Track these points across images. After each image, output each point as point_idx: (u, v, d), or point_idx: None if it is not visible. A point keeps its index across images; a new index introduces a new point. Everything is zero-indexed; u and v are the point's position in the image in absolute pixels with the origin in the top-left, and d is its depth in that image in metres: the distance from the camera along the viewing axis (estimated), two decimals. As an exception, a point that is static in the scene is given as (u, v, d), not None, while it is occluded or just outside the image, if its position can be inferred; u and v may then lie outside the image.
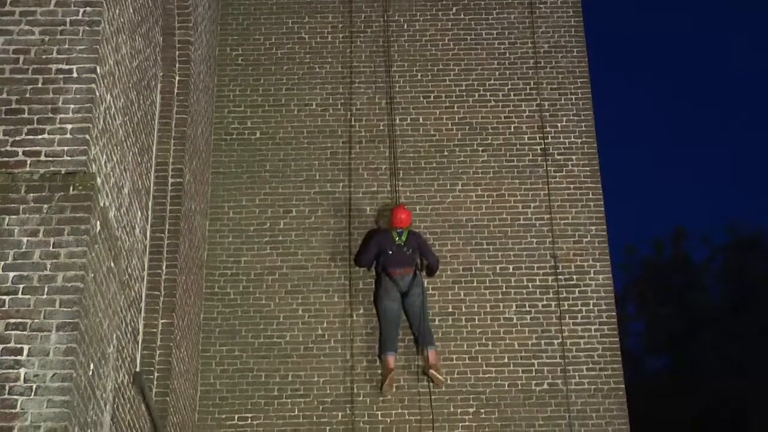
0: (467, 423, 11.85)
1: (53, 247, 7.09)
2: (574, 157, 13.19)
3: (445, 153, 13.25)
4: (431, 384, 11.77)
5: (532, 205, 12.96)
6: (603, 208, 12.96)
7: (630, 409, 11.95)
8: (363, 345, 12.23)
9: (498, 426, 11.84)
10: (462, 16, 13.98)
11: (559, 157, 13.19)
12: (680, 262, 27.44)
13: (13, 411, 6.59)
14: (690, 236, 29.68)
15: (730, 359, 23.55)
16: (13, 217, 7.15)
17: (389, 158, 13.21)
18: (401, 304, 11.92)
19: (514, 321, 12.35)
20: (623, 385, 12.03)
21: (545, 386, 12.02)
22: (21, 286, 6.96)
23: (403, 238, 12.10)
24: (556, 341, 12.22)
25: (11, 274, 6.98)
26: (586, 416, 11.86)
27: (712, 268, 27.52)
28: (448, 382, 12.04)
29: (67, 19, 7.70)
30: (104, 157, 7.89)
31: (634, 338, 26.72)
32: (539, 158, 13.18)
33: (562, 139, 13.28)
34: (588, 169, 13.13)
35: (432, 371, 11.72)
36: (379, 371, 11.91)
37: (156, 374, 10.25)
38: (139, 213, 9.37)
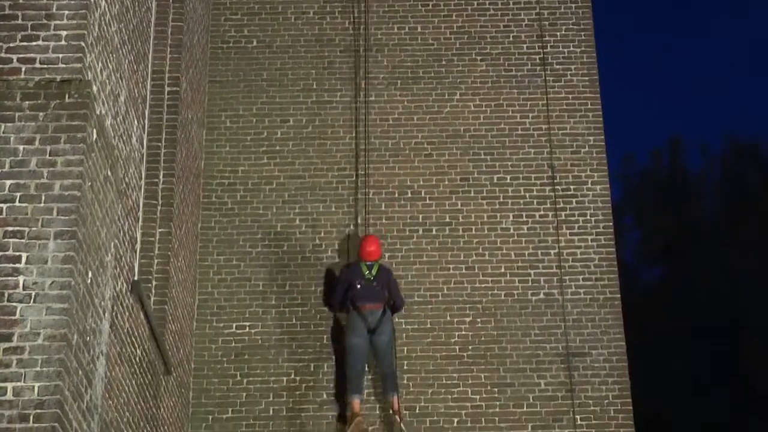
0: (463, 332, 11.94)
1: (50, 155, 7.07)
2: (573, 67, 13.10)
3: (443, 62, 13.16)
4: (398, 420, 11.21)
5: (530, 115, 12.91)
6: (601, 118, 12.91)
7: (625, 318, 12.04)
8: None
9: (494, 335, 11.93)
10: (461, -77, 13.76)
11: (558, 66, 13.10)
12: (678, 172, 27.45)
13: (13, 318, 6.63)
14: (688, 146, 29.74)
15: (727, 269, 23.67)
16: (9, 124, 7.11)
17: (386, 68, 13.11)
18: (369, 341, 11.24)
19: (511, 231, 12.38)
20: (619, 295, 12.10)
21: (541, 296, 12.10)
22: (18, 194, 6.95)
23: (373, 272, 11.45)
24: (552, 251, 12.26)
25: (8, 182, 6.96)
26: (581, 326, 11.95)
27: (709, 177, 27.55)
28: (444, 291, 12.11)
29: (60, -77, 7.57)
30: (100, 64, 7.83)
31: (631, 248, 26.85)
32: (538, 68, 13.09)
33: (561, 49, 13.18)
34: (587, 78, 13.05)
35: (396, 417, 11.17)
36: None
37: (154, 283, 10.31)
38: (136, 122, 9.33)
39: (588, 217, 12.44)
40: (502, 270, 12.21)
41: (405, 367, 11.73)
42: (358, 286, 11.36)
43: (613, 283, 12.12)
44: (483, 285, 12.15)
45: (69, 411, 6.72)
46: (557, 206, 12.45)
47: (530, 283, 12.14)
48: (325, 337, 11.90)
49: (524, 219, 12.43)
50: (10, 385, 6.47)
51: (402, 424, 11.13)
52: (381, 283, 11.41)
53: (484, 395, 11.66)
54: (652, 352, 21.79)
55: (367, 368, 11.46)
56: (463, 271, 12.21)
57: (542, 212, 12.45)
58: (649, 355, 20.93)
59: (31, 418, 6.42)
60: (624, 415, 11.57)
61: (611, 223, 12.46)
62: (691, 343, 22.97)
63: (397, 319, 11.76)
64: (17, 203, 6.93)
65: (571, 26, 13.28)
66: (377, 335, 11.21)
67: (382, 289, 11.41)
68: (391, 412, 11.24)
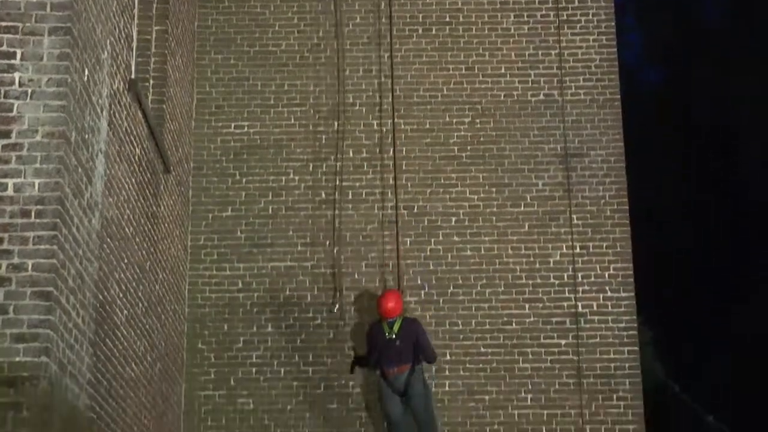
0: (462, 133, 11.95)
1: (40, -51, 6.90)
2: None
3: None
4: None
5: None
6: None
7: (624, 119, 12.02)
8: (359, 55, 12.16)
9: (493, 136, 11.93)
10: None
11: None
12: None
13: (10, 114, 6.61)
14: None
15: (728, 72, 23.53)
16: None
17: None
18: (404, 402, 10.38)
19: (512, 31, 12.22)
20: (619, 96, 12.06)
21: (541, 96, 12.04)
22: (10, -12, 6.83)
23: (395, 328, 10.40)
24: (553, 51, 12.14)
25: (-1, -23, 6.83)
26: (580, 126, 11.94)
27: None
28: (444, 92, 12.06)
29: None
30: None
31: (632, 49, 26.59)
32: None
33: None
34: None
35: None
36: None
37: (151, 82, 10.26)
38: None
39: (590, 17, 12.26)
40: (502, 70, 12.12)
41: (404, 168, 11.79)
42: (382, 348, 10.38)
43: (613, 84, 12.06)
44: (483, 85, 12.08)
45: (70, 207, 6.78)
46: (559, 5, 12.25)
47: (530, 84, 12.07)
48: (324, 137, 11.91)
49: (525, 19, 12.25)
50: (10, 182, 6.51)
51: None
52: (405, 341, 10.36)
53: (481, 195, 11.76)
54: (650, 152, 21.87)
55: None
56: (463, 71, 12.12)
57: (543, 12, 12.26)
58: (646, 156, 21.01)
59: (33, 213, 6.49)
60: (620, 214, 11.70)
61: (613, 23, 12.28)
62: (690, 145, 23.04)
63: (396, 119, 11.78)
64: (10, -2, 6.81)
65: None
66: (409, 399, 10.33)
67: (407, 346, 10.35)
68: None
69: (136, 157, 9.25)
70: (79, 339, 6.97)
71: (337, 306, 11.37)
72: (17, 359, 6.25)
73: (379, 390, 10.50)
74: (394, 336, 10.36)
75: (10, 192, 6.50)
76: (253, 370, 11.33)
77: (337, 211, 11.63)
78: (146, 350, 9.61)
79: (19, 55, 6.72)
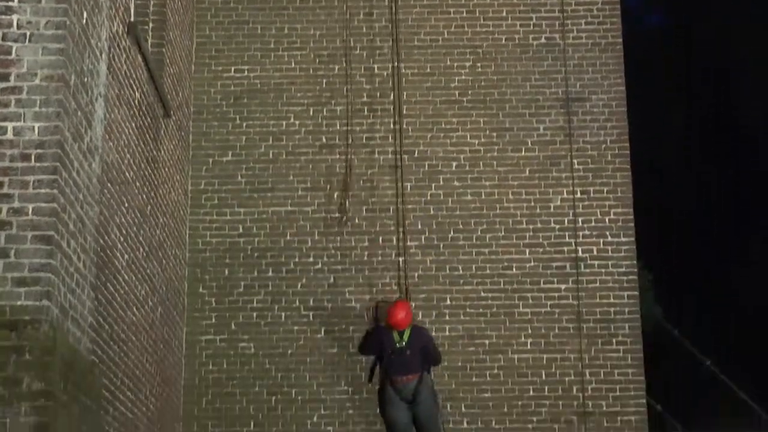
0: (463, 77, 11.90)
1: None
2: None
3: None
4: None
5: None
6: None
7: (626, 63, 11.95)
8: (360, -2, 12.10)
9: (494, 80, 11.88)
10: None
11: None
12: None
13: (9, 57, 6.56)
14: None
15: (730, 16, 23.37)
16: None
17: None
18: (410, 409, 10.28)
19: (514, -27, 12.14)
20: (620, 40, 11.98)
21: (542, 40, 11.97)
22: (6, -70, 6.74)
23: (405, 337, 10.29)
24: (555, -7, 12.07)
25: None
26: (582, 70, 11.88)
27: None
28: (445, 35, 11.98)
29: None
30: None
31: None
32: None
33: None
34: None
35: None
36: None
37: (151, 25, 10.18)
38: None
39: (592, -40, 12.17)
40: (504, 14, 12.03)
41: (405, 112, 11.76)
42: (390, 354, 10.28)
43: (615, 27, 11.98)
44: (484, 29, 12.00)
45: (70, 151, 6.76)
46: (562, -53, 12.15)
47: (532, 27, 11.99)
48: (324, 81, 11.86)
49: (527, -37, 12.16)
50: (9, 125, 6.48)
51: None
52: (414, 349, 10.30)
53: (482, 140, 11.73)
54: (652, 98, 21.80)
55: None
56: (464, 14, 12.03)
57: (546, -46, 12.16)
58: (648, 101, 20.94)
59: (33, 157, 6.46)
60: (621, 159, 11.67)
61: (616, -34, 12.19)
62: (692, 88, 22.96)
63: (397, 63, 11.73)
64: (6, -60, 6.73)
65: None
66: (416, 405, 10.26)
67: (416, 354, 10.30)
68: None
69: (136, 101, 9.21)
70: (81, 283, 6.98)
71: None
72: (19, 303, 6.26)
73: (385, 395, 10.34)
74: (404, 344, 10.28)
75: (9, 135, 6.47)
76: (254, 314, 11.37)
77: (337, 156, 11.61)
78: (147, 294, 9.64)
79: (16, -3, 6.66)
